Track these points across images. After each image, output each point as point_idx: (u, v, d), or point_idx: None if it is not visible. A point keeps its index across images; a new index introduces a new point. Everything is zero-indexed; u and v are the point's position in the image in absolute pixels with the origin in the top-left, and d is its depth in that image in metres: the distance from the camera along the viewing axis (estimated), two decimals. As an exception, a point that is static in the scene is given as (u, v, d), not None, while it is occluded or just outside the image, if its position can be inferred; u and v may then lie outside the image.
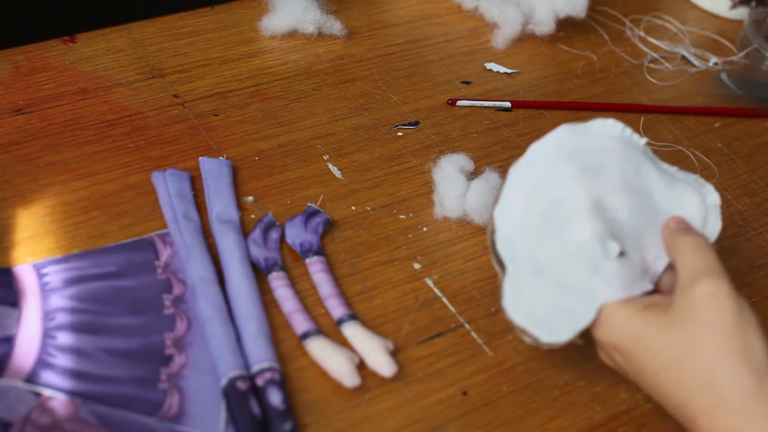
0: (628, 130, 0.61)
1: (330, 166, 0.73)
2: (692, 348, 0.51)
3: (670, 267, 0.57)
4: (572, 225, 0.57)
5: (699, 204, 0.59)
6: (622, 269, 0.55)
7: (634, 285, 0.55)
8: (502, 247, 0.58)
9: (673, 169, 0.62)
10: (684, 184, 0.60)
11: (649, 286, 0.56)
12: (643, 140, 0.61)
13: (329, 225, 0.67)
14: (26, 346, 0.56)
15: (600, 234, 0.56)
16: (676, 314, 0.52)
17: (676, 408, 0.52)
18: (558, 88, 0.85)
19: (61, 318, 0.58)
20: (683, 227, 0.57)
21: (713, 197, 0.60)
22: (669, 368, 0.51)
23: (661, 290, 0.57)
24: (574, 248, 0.56)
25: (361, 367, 0.59)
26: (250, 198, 0.69)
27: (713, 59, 0.92)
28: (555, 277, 0.56)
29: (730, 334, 0.50)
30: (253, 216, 0.67)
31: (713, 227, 0.59)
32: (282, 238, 0.66)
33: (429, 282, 0.65)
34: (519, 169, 0.60)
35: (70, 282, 0.61)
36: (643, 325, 0.53)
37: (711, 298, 0.51)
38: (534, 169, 0.60)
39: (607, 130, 0.61)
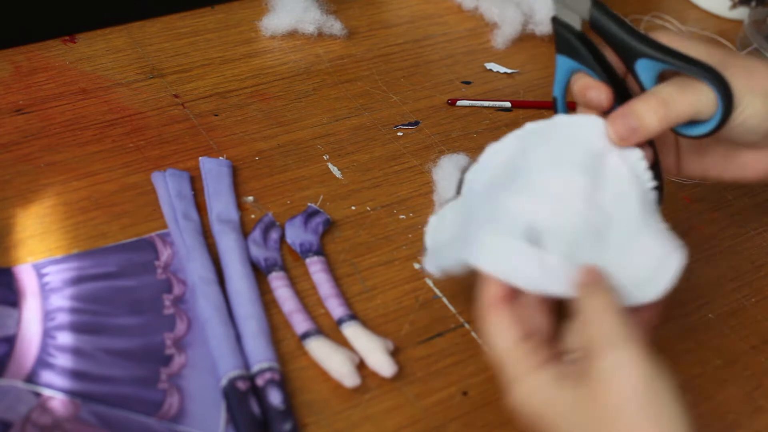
0: (642, 165, 0.56)
1: (330, 166, 0.73)
2: (605, 423, 0.47)
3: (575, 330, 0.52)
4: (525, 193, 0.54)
5: (655, 258, 0.53)
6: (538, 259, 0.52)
7: (538, 281, 0.51)
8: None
9: (659, 225, 0.55)
10: (654, 236, 0.54)
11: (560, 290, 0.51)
12: (651, 184, 0.56)
13: (329, 225, 0.68)
14: (26, 346, 0.56)
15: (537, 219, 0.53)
16: (585, 388, 0.48)
17: None
18: (558, 88, 0.85)
19: (61, 318, 0.58)
20: (592, 281, 0.51)
21: (677, 259, 0.53)
22: None
23: (568, 349, 0.52)
24: (508, 211, 0.53)
25: (361, 367, 0.59)
26: (250, 198, 0.69)
27: (713, 59, 0.92)
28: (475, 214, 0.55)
29: (643, 405, 0.46)
30: (253, 216, 0.67)
31: (657, 287, 0.53)
32: (282, 238, 0.66)
33: (429, 282, 0.66)
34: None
35: (70, 282, 0.61)
36: (555, 395, 0.49)
37: (618, 369, 0.47)
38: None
39: (629, 156, 0.56)
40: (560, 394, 0.49)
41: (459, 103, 0.80)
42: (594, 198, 0.54)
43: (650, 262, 0.53)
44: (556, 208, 0.54)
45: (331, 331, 0.61)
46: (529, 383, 0.50)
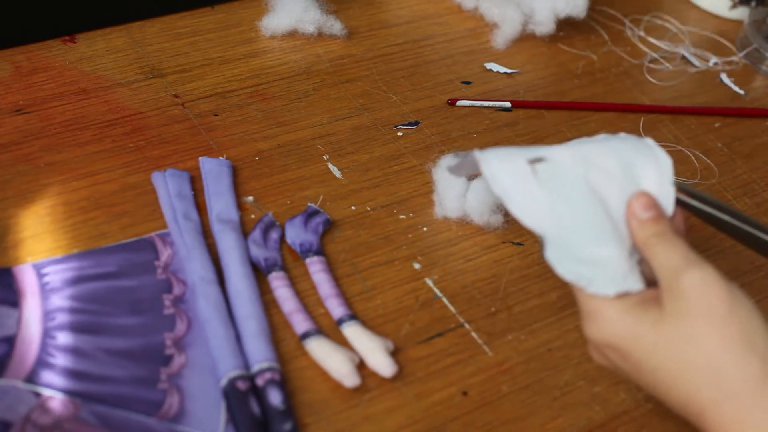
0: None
1: (330, 166, 0.73)
2: (690, 341, 0.49)
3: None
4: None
5: (654, 174, 0.56)
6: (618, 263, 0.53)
7: (622, 281, 0.53)
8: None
9: (619, 139, 0.58)
10: (637, 155, 0.56)
11: (639, 285, 0.53)
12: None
13: (329, 225, 0.67)
14: (26, 346, 0.56)
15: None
16: (667, 309, 0.50)
17: (680, 404, 0.50)
18: (558, 88, 0.85)
19: (61, 318, 0.58)
20: (650, 216, 0.53)
21: (665, 163, 0.56)
22: (668, 364, 0.50)
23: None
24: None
25: (361, 367, 0.59)
26: (250, 198, 0.69)
27: (713, 59, 0.92)
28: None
29: (728, 322, 0.48)
30: (253, 216, 0.67)
31: (668, 195, 0.55)
32: (282, 238, 0.66)
33: (429, 282, 0.65)
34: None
35: (70, 282, 0.61)
36: (636, 321, 0.51)
37: (699, 288, 0.49)
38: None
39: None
40: (642, 316, 0.51)
41: (459, 103, 0.80)
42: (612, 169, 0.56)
43: (654, 179, 0.56)
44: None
45: (331, 331, 0.61)
46: (609, 313, 0.52)
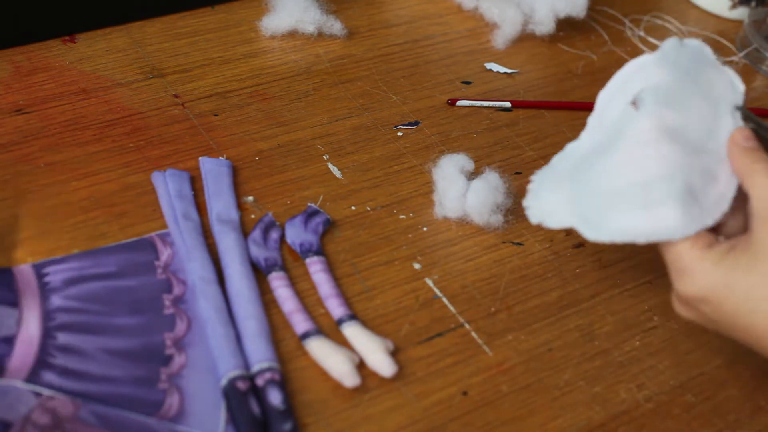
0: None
1: (330, 166, 0.73)
2: None
3: (733, 214, 0.55)
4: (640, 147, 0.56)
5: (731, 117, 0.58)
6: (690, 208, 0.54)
7: (696, 220, 0.54)
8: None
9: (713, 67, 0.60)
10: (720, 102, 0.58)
11: (710, 222, 0.54)
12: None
13: (329, 225, 0.68)
14: (26, 346, 0.56)
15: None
16: (761, 249, 0.51)
17: None
18: (558, 88, 0.85)
19: (61, 318, 0.58)
20: (752, 146, 0.54)
21: (739, 89, 0.59)
22: (764, 306, 0.50)
23: (727, 234, 0.56)
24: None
25: (361, 367, 0.59)
26: (250, 198, 0.69)
27: (713, 59, 0.92)
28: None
29: None
30: (253, 216, 0.67)
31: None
32: (282, 238, 0.66)
33: (429, 282, 0.66)
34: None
35: (70, 282, 0.61)
36: (731, 268, 0.51)
37: None
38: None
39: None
40: (736, 263, 0.51)
41: (459, 103, 0.80)
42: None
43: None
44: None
45: (331, 331, 0.61)
46: (704, 266, 0.52)
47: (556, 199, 0.59)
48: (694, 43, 0.61)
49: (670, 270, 0.55)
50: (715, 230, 0.56)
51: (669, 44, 0.61)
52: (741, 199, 0.55)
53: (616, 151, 0.57)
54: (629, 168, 0.56)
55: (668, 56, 0.61)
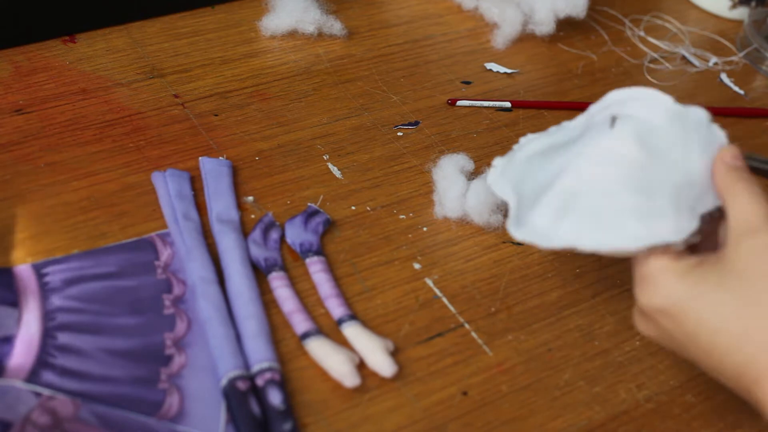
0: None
1: (330, 166, 0.73)
2: (756, 301, 0.47)
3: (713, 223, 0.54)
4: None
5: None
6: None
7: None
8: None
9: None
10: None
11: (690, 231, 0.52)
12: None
13: (329, 225, 0.68)
14: (26, 346, 0.56)
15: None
16: (734, 266, 0.48)
17: (736, 371, 0.48)
18: (558, 88, 0.85)
19: (61, 318, 0.58)
20: (738, 165, 0.52)
21: (701, 114, 0.57)
22: (729, 325, 0.48)
23: (701, 250, 0.53)
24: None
25: (361, 367, 0.59)
26: (250, 198, 0.69)
27: (713, 59, 0.92)
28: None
29: None
30: (253, 216, 0.67)
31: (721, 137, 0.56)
32: (282, 238, 0.66)
33: (429, 282, 0.66)
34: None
35: (70, 282, 0.61)
36: (698, 282, 0.49)
37: None
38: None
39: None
40: (704, 276, 0.49)
41: (459, 103, 0.80)
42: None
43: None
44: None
45: (331, 331, 0.61)
46: (668, 276, 0.50)
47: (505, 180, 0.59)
48: (701, 115, 0.59)
49: (634, 278, 0.53)
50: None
51: (691, 110, 0.59)
52: (714, 223, 0.54)
53: (575, 156, 0.57)
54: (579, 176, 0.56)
55: (678, 114, 0.59)
